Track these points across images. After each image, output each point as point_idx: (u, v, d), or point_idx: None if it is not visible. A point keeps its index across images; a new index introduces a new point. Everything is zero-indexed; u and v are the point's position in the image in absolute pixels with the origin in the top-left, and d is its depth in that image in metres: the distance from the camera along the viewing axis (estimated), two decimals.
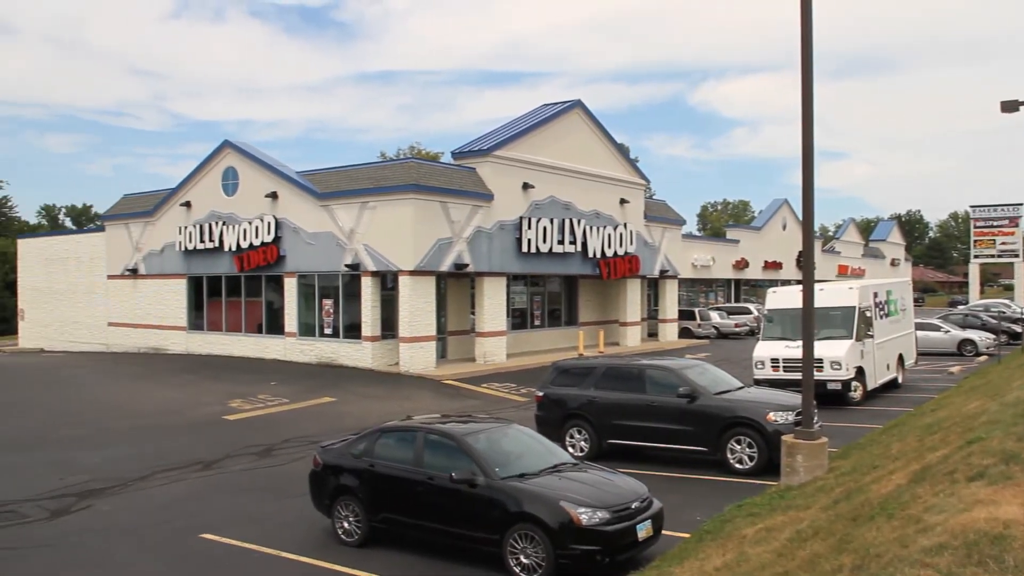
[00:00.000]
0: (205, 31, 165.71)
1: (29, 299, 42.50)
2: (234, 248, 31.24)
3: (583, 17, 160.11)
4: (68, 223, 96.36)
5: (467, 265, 28.24)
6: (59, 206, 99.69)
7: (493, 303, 29.64)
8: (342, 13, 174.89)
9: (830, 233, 79.81)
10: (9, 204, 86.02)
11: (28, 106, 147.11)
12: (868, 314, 21.31)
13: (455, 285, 30.92)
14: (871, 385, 21.20)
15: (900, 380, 23.59)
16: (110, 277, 37.39)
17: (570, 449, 14.83)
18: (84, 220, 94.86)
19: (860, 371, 20.54)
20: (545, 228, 31.01)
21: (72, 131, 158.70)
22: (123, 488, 13.88)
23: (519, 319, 34.12)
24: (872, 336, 21.26)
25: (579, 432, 15.55)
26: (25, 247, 43.77)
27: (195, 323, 33.97)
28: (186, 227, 33.12)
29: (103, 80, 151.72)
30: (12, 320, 50.64)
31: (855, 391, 20.36)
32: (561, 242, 31.89)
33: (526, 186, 30.52)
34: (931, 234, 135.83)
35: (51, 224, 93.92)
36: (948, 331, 33.51)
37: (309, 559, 10.09)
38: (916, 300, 50.72)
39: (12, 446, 17.18)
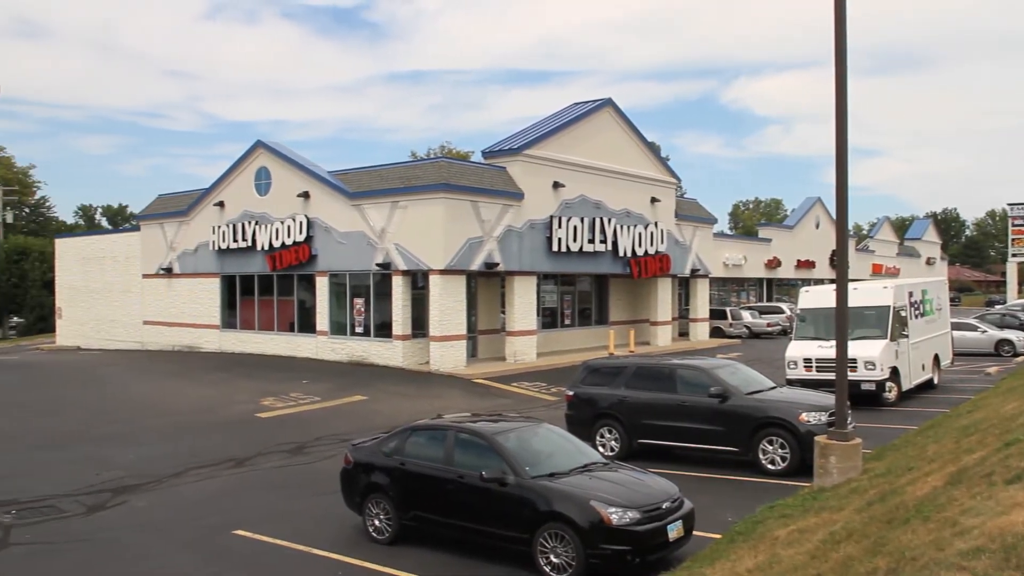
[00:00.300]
0: (238, 32, 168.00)
1: (66, 298, 43.28)
2: (266, 247, 31.54)
3: (614, 15, 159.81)
4: (104, 223, 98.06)
5: (497, 264, 28.27)
6: (95, 206, 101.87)
7: (523, 302, 29.65)
8: (373, 13, 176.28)
9: (864, 232, 78.72)
10: (47, 204, 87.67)
11: (66, 108, 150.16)
12: (903, 314, 21.00)
13: (485, 284, 30.98)
14: (906, 386, 20.89)
15: (936, 381, 23.23)
16: (145, 276, 37.94)
17: (600, 448, 14.78)
18: (120, 220, 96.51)
19: (895, 371, 20.24)
20: (575, 227, 30.96)
21: (108, 132, 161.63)
22: (157, 484, 14.08)
23: (549, 318, 34.08)
24: (907, 336, 20.96)
25: (609, 431, 15.51)
26: (62, 246, 44.58)
27: (228, 322, 34.37)
28: (219, 227, 33.52)
29: (138, 82, 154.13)
30: (50, 318, 51.55)
31: (889, 392, 20.07)
32: (591, 241, 31.81)
33: (556, 185, 30.49)
34: (968, 232, 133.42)
35: (88, 224, 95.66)
36: (985, 331, 32.95)
37: (341, 556, 10.16)
38: (952, 299, 49.95)
39: (50, 442, 17.51)
